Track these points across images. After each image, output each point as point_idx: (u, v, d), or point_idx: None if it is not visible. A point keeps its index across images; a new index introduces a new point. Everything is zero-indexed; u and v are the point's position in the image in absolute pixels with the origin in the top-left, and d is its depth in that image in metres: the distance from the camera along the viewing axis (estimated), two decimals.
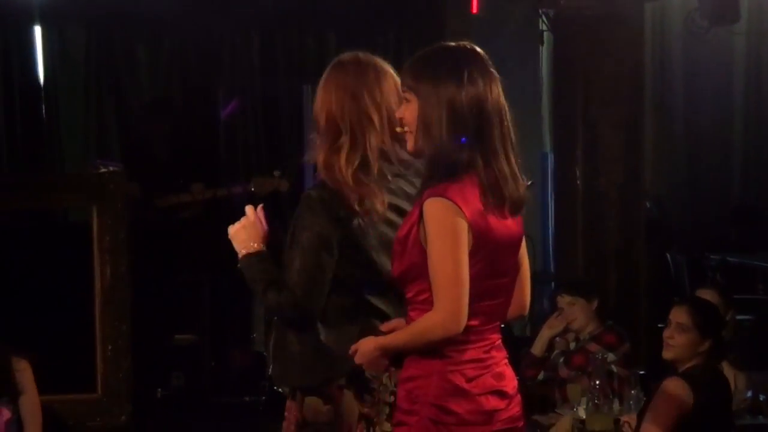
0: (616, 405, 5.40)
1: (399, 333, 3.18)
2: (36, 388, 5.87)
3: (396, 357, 3.19)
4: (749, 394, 5.46)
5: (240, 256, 3.55)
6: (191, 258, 8.16)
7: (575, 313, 6.16)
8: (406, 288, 3.18)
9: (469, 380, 3.13)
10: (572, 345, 6.21)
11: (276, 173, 7.75)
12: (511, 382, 3.24)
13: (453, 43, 3.23)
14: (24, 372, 5.78)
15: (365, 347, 3.22)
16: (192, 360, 8.24)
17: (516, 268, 3.26)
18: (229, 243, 3.61)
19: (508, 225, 3.18)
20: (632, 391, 5.41)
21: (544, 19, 8.04)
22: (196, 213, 8.12)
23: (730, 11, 7.88)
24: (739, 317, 6.36)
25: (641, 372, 5.84)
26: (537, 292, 8.66)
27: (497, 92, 3.15)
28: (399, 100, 3.36)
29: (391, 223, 3.46)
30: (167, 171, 8.12)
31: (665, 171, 10.01)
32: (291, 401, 3.59)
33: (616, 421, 5.20)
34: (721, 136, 10.05)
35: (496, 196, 3.12)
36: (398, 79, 3.46)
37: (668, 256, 8.90)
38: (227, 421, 7.62)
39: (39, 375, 5.95)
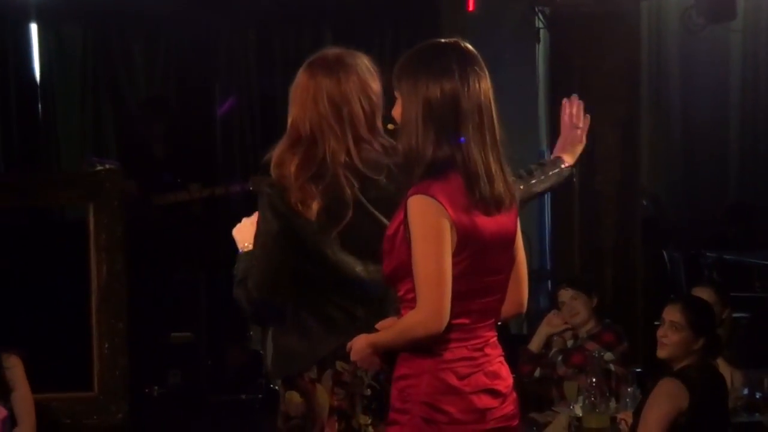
0: (612, 403, 5.41)
1: (386, 331, 3.19)
2: (28, 383, 5.86)
3: (389, 355, 3.20)
4: (746, 391, 5.47)
5: (238, 253, 3.60)
6: (188, 256, 8.16)
7: (577, 308, 6.16)
8: (396, 286, 3.19)
9: (461, 378, 3.12)
10: (570, 343, 6.21)
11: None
12: (505, 381, 3.22)
13: (438, 40, 3.22)
14: (15, 368, 5.78)
15: (358, 345, 3.23)
16: (189, 358, 8.24)
17: (510, 265, 3.24)
18: (226, 241, 3.65)
19: (498, 221, 3.16)
20: (629, 389, 5.41)
21: (541, 16, 8.05)
22: (193, 211, 8.12)
23: (727, 9, 7.88)
24: (735, 315, 6.36)
25: (638, 370, 5.84)
26: (534, 289, 8.68)
27: (478, 88, 3.12)
28: (365, 98, 3.43)
29: (357, 227, 3.46)
30: (164, 169, 8.12)
31: (662, 168, 10.01)
32: (281, 396, 3.62)
33: (613, 419, 5.20)
34: (718, 133, 10.04)
35: (480, 193, 3.11)
36: (367, 75, 3.51)
37: (665, 253, 8.90)
38: (224, 419, 7.62)
39: (35, 373, 5.95)
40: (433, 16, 8.84)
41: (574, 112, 3.94)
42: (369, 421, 3.44)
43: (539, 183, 3.83)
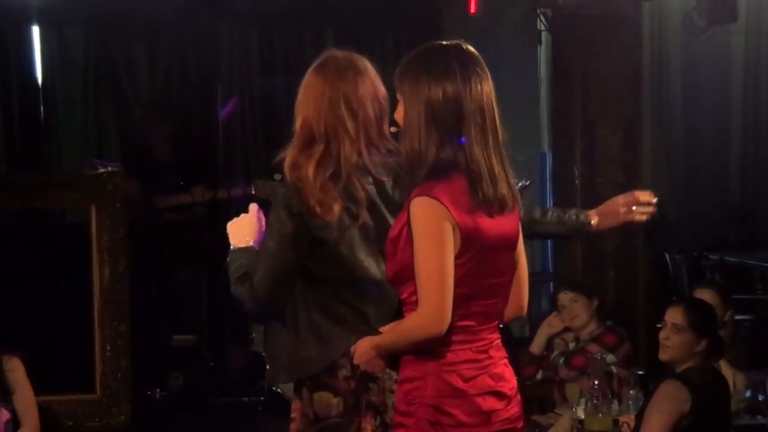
0: (615, 405, 5.40)
1: (389, 333, 3.19)
2: (30, 385, 5.86)
3: (393, 357, 3.20)
4: (748, 393, 5.45)
5: (231, 248, 3.61)
6: (190, 258, 8.16)
7: (577, 310, 6.16)
8: (399, 289, 3.18)
9: (466, 380, 3.12)
10: (572, 345, 6.21)
11: (277, 177, 7.74)
12: (510, 383, 3.23)
13: (440, 42, 3.22)
14: (15, 371, 5.78)
15: (361, 347, 3.23)
16: (191, 360, 8.24)
17: (513, 267, 3.25)
18: (228, 244, 3.66)
19: (500, 223, 3.16)
20: (631, 392, 5.41)
21: (542, 19, 8.05)
22: (196, 214, 8.12)
23: (728, 11, 7.87)
24: (737, 317, 6.36)
25: (640, 372, 5.83)
26: (536, 292, 8.69)
27: (480, 90, 3.12)
28: (376, 102, 3.47)
29: (372, 227, 3.51)
30: (167, 172, 8.12)
31: (663, 170, 10.00)
32: (297, 400, 3.60)
33: (615, 422, 5.20)
34: (720, 135, 10.05)
35: (483, 194, 3.11)
36: (377, 80, 3.55)
37: (667, 255, 8.89)
38: (226, 422, 7.62)
39: (37, 375, 5.96)
40: (435, 17, 8.85)
41: (639, 202, 3.94)
42: None
43: (548, 224, 3.86)
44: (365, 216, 3.49)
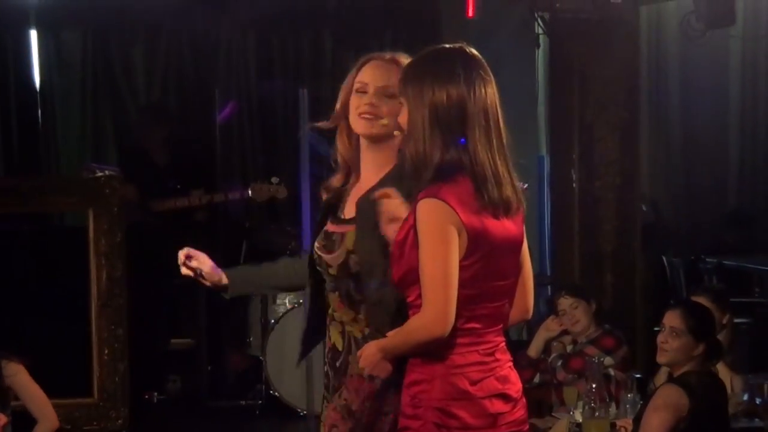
0: (612, 409, 5.39)
1: (394, 335, 3.17)
2: (37, 385, 5.82)
3: (399, 361, 3.18)
4: (746, 397, 5.45)
5: None
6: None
7: (578, 316, 6.15)
8: (405, 292, 3.17)
9: (474, 383, 3.12)
10: (569, 348, 6.20)
11: (274, 180, 7.75)
12: (515, 385, 3.23)
13: (443, 46, 3.23)
14: (17, 375, 5.75)
15: (368, 351, 3.21)
16: (188, 364, 8.24)
17: (517, 269, 3.25)
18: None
19: (505, 226, 3.16)
20: (629, 395, 5.40)
21: (540, 22, 8.04)
22: (194, 217, 8.12)
23: (726, 14, 7.86)
24: (735, 320, 6.35)
25: (638, 375, 5.83)
26: (533, 294, 8.67)
27: (484, 93, 3.13)
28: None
29: None
30: (164, 175, 8.12)
31: (661, 174, 10.01)
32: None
33: (613, 425, 5.19)
34: (717, 139, 10.05)
35: (489, 196, 3.12)
36: None
37: (664, 259, 8.89)
38: (224, 425, 7.62)
39: (35, 379, 5.94)
40: (433, 22, 8.84)
41: None
42: None
43: None
44: None
